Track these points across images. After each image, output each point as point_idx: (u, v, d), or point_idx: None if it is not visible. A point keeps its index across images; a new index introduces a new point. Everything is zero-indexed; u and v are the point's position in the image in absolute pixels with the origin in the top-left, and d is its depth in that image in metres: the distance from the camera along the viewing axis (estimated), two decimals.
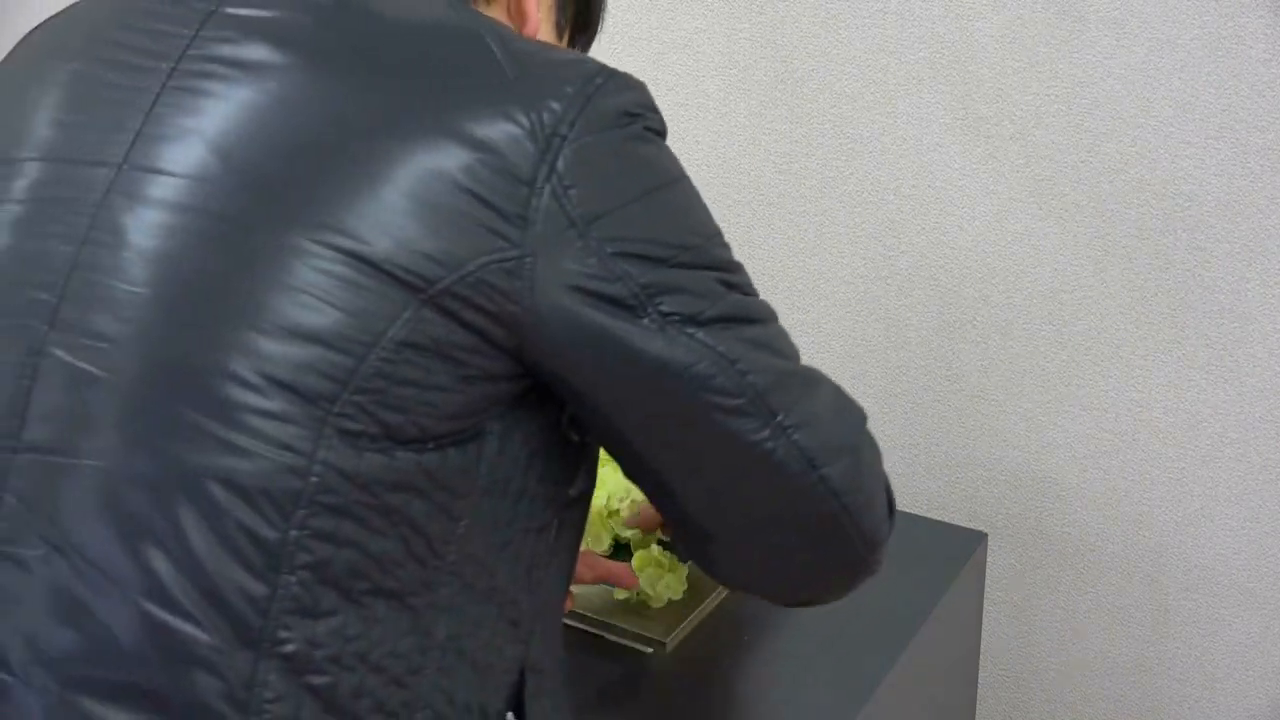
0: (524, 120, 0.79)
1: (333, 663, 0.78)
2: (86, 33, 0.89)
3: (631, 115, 0.83)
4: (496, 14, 0.94)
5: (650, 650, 1.21)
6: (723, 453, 0.85)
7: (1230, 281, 1.42)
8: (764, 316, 0.87)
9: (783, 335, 0.89)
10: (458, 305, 0.78)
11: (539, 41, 0.87)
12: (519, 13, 0.96)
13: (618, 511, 1.30)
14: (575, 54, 0.85)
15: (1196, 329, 1.45)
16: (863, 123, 1.55)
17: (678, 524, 0.92)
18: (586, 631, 1.23)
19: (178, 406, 0.76)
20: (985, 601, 1.53)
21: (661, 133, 0.86)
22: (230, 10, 0.84)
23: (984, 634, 1.55)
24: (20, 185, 0.84)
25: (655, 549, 1.25)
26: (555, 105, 0.80)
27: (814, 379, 0.89)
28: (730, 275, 0.86)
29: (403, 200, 0.78)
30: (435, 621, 0.83)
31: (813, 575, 0.94)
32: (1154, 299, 1.46)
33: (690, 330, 0.82)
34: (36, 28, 0.96)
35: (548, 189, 0.79)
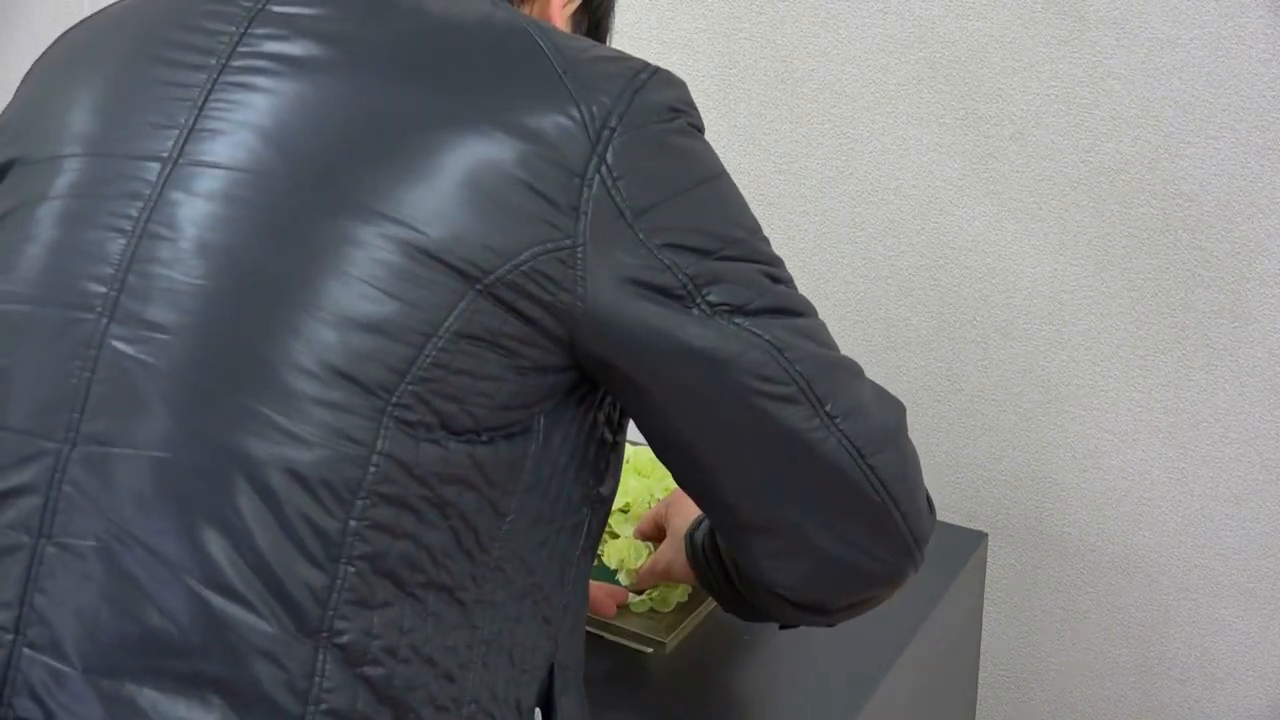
0: (575, 113, 0.80)
1: (388, 655, 0.79)
2: (129, 32, 0.90)
3: (675, 111, 0.84)
4: None
5: (650, 650, 1.21)
6: (772, 441, 0.86)
7: (1230, 281, 1.42)
8: (806, 309, 0.89)
9: (824, 328, 0.90)
10: (512, 295, 0.79)
11: (582, 38, 0.88)
12: (543, 18, 0.96)
13: (617, 510, 1.30)
14: (617, 51, 0.87)
15: (1196, 329, 1.45)
16: (863, 123, 1.55)
17: (725, 520, 0.93)
18: (587, 631, 1.23)
19: (238, 396, 0.77)
20: (985, 601, 1.53)
21: (701, 129, 0.87)
22: (277, 9, 0.85)
23: (984, 634, 1.55)
24: (64, 181, 0.85)
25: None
26: (604, 99, 0.81)
27: (856, 369, 0.91)
28: (774, 269, 0.87)
29: (457, 190, 0.79)
30: (482, 617, 0.84)
31: (859, 572, 0.93)
32: (1154, 299, 1.46)
33: (739, 320, 0.84)
34: (74, 27, 0.96)
35: (598, 180, 0.80)
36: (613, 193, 0.80)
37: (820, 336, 0.88)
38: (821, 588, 0.95)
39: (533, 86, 0.81)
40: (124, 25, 0.91)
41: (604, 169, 0.80)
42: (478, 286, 0.78)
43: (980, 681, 1.56)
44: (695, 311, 0.83)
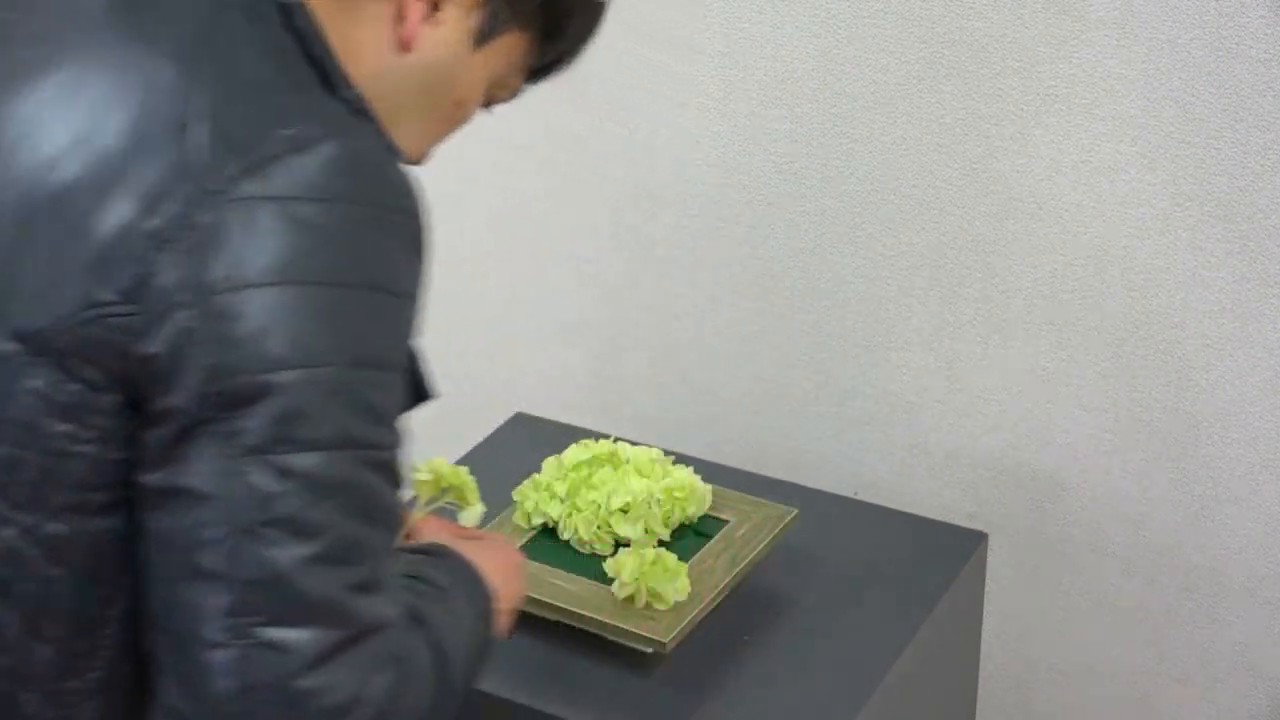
0: (168, 174, 0.75)
1: None
2: None
3: (327, 196, 0.76)
4: (379, 9, 0.87)
5: (650, 650, 1.21)
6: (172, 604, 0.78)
7: (1229, 282, 1.42)
8: (363, 496, 0.78)
9: (360, 546, 0.77)
10: (67, 357, 0.76)
11: (264, 94, 0.80)
12: (398, 13, 0.87)
13: (618, 510, 1.30)
14: (290, 114, 0.79)
15: (1196, 329, 1.45)
16: (862, 123, 1.55)
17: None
18: (586, 631, 1.23)
19: None
20: (985, 601, 1.53)
21: (378, 225, 0.78)
22: None
23: (984, 634, 1.55)
24: None
25: (663, 551, 1.25)
26: (230, 167, 0.75)
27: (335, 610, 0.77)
28: (358, 428, 0.77)
29: (32, 249, 0.76)
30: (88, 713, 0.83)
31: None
32: (1153, 299, 1.46)
33: (230, 453, 0.75)
34: None
35: (178, 246, 0.74)
36: (188, 262, 0.74)
37: (334, 551, 0.76)
38: None
39: (143, 144, 0.76)
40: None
41: (188, 236, 0.74)
42: (31, 347, 0.76)
43: (980, 681, 1.56)
44: (203, 424, 0.74)
